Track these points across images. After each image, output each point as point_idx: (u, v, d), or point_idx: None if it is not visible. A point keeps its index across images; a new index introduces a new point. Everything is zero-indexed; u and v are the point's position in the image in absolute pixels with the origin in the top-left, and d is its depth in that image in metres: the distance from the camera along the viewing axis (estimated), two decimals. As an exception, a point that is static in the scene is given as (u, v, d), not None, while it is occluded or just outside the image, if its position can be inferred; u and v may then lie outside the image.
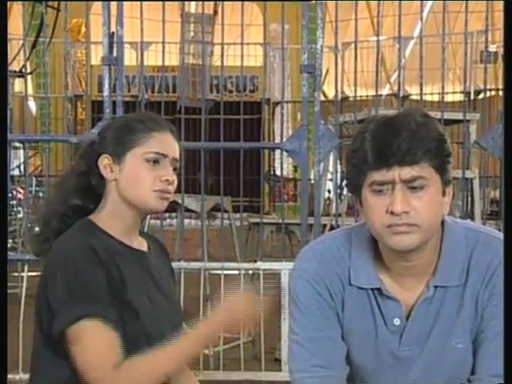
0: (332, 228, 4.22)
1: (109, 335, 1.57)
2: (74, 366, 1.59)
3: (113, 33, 3.64)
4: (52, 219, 1.71)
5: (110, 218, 1.69)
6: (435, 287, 1.45)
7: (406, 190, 1.35)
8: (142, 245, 1.76)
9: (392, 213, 1.35)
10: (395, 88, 9.66)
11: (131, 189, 1.67)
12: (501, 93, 6.61)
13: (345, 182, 1.48)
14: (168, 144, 1.70)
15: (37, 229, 1.81)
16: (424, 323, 1.46)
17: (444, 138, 1.39)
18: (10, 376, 3.62)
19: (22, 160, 7.36)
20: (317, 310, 1.49)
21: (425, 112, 1.45)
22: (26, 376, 3.77)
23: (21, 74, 5.11)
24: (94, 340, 1.56)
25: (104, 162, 1.68)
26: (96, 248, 1.60)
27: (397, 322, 1.46)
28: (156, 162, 1.67)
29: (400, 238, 1.36)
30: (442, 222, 1.46)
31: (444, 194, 1.41)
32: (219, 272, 4.01)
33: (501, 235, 1.48)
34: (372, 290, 1.47)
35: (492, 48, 6.92)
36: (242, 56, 4.74)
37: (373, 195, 1.37)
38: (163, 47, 4.34)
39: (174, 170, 1.71)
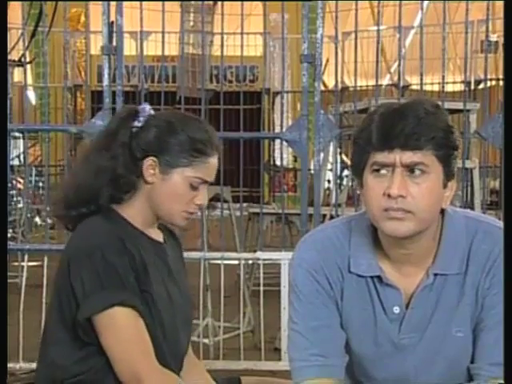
0: (332, 218, 4.22)
1: (143, 327, 1.57)
2: (98, 355, 1.58)
3: (112, 22, 3.63)
4: (103, 190, 1.66)
5: (134, 211, 1.68)
6: (435, 275, 1.45)
7: (406, 175, 1.36)
8: (158, 236, 1.76)
9: (389, 196, 1.35)
10: (395, 78, 9.64)
11: (165, 202, 1.67)
12: (501, 83, 6.59)
13: (349, 164, 1.48)
14: (213, 170, 1.71)
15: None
16: (424, 311, 1.46)
17: (452, 130, 1.39)
18: (10, 365, 3.63)
19: (21, 150, 7.35)
20: (316, 299, 1.49)
21: (436, 103, 1.45)
22: (27, 365, 3.80)
23: (20, 64, 5.10)
24: (130, 330, 1.56)
25: (149, 162, 1.66)
26: (122, 237, 1.60)
27: (396, 310, 1.47)
28: (198, 184, 1.68)
29: (394, 224, 1.37)
30: (443, 211, 1.46)
31: (445, 186, 1.40)
32: (219, 262, 4.01)
33: (502, 224, 1.49)
34: (372, 277, 1.48)
35: (493, 37, 6.89)
36: (242, 46, 4.72)
37: (373, 177, 1.38)
38: (163, 37, 4.33)
39: None
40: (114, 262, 1.56)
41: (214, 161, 1.71)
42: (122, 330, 1.55)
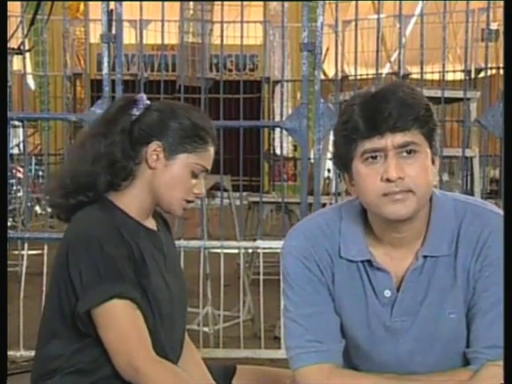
0: (331, 207, 4.23)
1: (139, 318, 1.58)
2: (95, 346, 1.58)
3: (111, 10, 3.61)
4: (101, 176, 1.65)
5: (130, 199, 1.68)
6: (424, 257, 1.46)
7: (399, 157, 1.37)
8: (152, 224, 1.76)
9: (387, 180, 1.36)
10: (395, 67, 9.61)
11: (167, 188, 1.67)
12: (502, 71, 6.58)
13: (333, 159, 1.50)
14: (212, 159, 1.71)
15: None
16: (415, 294, 1.47)
17: (430, 108, 1.42)
18: (10, 353, 3.64)
19: (21, 138, 7.33)
20: (308, 286, 1.50)
21: (410, 85, 1.47)
22: (27, 353, 3.82)
23: (19, 52, 5.08)
24: (127, 321, 1.56)
25: (154, 147, 1.65)
26: (120, 228, 1.60)
27: (387, 293, 1.48)
28: (199, 171, 1.68)
29: (397, 207, 1.38)
30: (431, 195, 1.47)
31: (433, 162, 1.43)
32: (219, 251, 4.02)
33: (491, 206, 1.50)
34: (362, 262, 1.49)
35: (493, 26, 6.87)
36: (242, 34, 4.70)
37: (365, 166, 1.39)
38: (162, 25, 4.32)
39: None
40: (113, 253, 1.56)
41: (212, 150, 1.72)
42: (120, 321, 1.56)
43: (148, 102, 1.72)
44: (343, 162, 1.44)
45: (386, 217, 1.40)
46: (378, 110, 1.36)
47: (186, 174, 1.67)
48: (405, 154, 1.38)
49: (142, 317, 1.58)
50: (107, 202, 1.67)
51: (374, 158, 1.38)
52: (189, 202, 1.70)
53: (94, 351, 1.60)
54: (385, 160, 1.38)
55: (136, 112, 1.68)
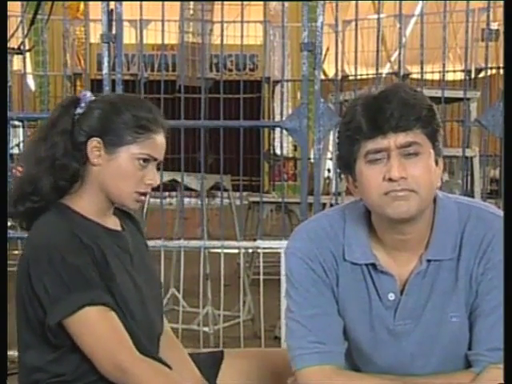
0: (332, 207, 4.23)
1: (115, 320, 1.57)
2: (72, 353, 1.57)
3: (112, 10, 3.61)
4: (43, 180, 1.64)
5: (85, 201, 1.66)
6: (428, 261, 1.46)
7: (402, 157, 1.37)
8: (115, 224, 1.73)
9: (390, 179, 1.36)
10: (396, 67, 9.62)
11: (114, 183, 1.64)
12: (502, 71, 6.57)
13: (336, 160, 1.51)
14: (161, 147, 1.68)
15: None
16: (418, 297, 1.47)
17: (433, 109, 1.42)
18: (9, 353, 3.63)
19: (21, 138, 7.33)
20: (312, 287, 1.50)
21: (412, 86, 1.49)
22: (27, 353, 3.77)
23: (19, 52, 5.08)
24: (104, 325, 1.55)
25: (94, 144, 1.64)
26: (78, 233, 1.58)
27: (391, 296, 1.47)
28: (145, 161, 1.65)
29: (398, 204, 1.38)
30: (434, 197, 1.47)
31: (437, 163, 1.42)
32: (219, 250, 4.01)
33: (494, 209, 1.50)
34: (366, 265, 1.48)
35: (494, 26, 6.86)
36: (242, 34, 4.70)
37: (368, 166, 1.39)
38: (162, 25, 4.31)
39: (157, 169, 1.70)
40: (75, 262, 1.54)
41: (159, 138, 1.68)
42: (96, 327, 1.55)
43: (92, 98, 1.70)
44: (347, 163, 1.44)
45: (389, 216, 1.40)
46: (380, 110, 1.36)
47: (132, 166, 1.64)
48: (408, 154, 1.38)
49: (118, 320, 1.57)
50: (62, 207, 1.65)
51: (377, 158, 1.38)
52: (142, 194, 1.67)
53: (72, 360, 1.59)
54: (388, 160, 1.38)
55: (79, 110, 1.67)
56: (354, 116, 1.39)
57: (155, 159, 1.68)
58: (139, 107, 1.68)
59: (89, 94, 1.72)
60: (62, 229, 1.59)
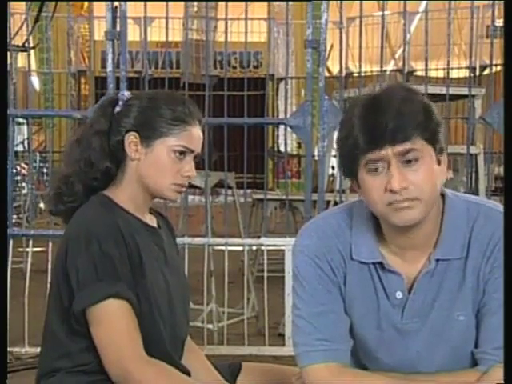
0: (336, 204, 4.22)
1: (133, 318, 1.57)
2: (92, 346, 1.57)
3: (116, 7, 3.61)
4: (76, 180, 1.68)
5: (126, 195, 1.69)
6: (437, 260, 1.45)
7: (401, 165, 1.36)
8: (152, 221, 1.76)
9: (391, 191, 1.35)
10: (400, 64, 9.60)
11: (152, 176, 1.67)
12: (506, 68, 6.55)
13: (339, 167, 1.50)
14: (197, 139, 1.70)
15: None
16: (426, 296, 1.46)
17: (430, 109, 1.39)
18: (15, 349, 3.65)
19: (25, 136, 7.35)
20: (319, 285, 1.50)
21: (407, 86, 1.45)
22: (32, 350, 3.82)
23: (24, 49, 5.09)
24: (121, 322, 1.55)
25: (131, 138, 1.66)
26: (120, 226, 1.60)
27: (399, 295, 1.47)
28: (182, 154, 1.67)
29: (403, 213, 1.37)
30: (443, 196, 1.47)
31: (439, 162, 1.41)
32: (223, 248, 4.02)
33: (503, 208, 1.49)
34: (374, 264, 1.48)
35: (498, 23, 6.85)
36: (246, 31, 4.70)
37: (369, 175, 1.38)
38: (166, 22, 4.32)
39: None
40: (111, 253, 1.55)
41: (195, 130, 1.70)
42: (114, 320, 1.55)
43: (130, 96, 1.72)
44: (349, 172, 1.44)
45: (394, 223, 1.40)
46: (375, 124, 1.35)
47: (169, 158, 1.66)
48: (407, 160, 1.37)
49: (135, 319, 1.57)
50: (106, 199, 1.67)
51: (377, 167, 1.38)
52: (181, 185, 1.69)
53: (95, 354, 1.59)
54: (388, 169, 1.37)
55: (118, 109, 1.70)
56: (351, 131, 1.38)
57: (192, 151, 1.69)
58: (174, 101, 1.71)
59: (127, 93, 1.74)
60: (105, 218, 1.61)
